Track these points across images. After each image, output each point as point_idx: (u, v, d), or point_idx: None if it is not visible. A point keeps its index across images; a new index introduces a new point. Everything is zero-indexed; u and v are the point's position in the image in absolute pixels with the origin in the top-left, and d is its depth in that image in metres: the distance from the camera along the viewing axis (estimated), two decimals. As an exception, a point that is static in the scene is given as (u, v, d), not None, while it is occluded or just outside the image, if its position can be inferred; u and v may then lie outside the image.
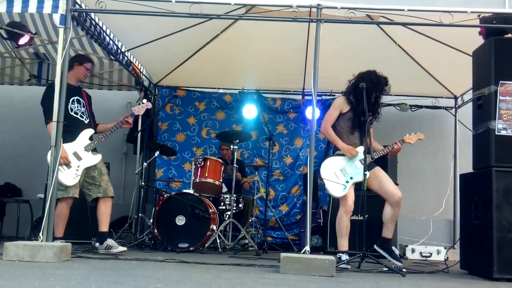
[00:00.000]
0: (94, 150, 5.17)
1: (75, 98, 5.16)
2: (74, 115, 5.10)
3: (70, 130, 4.97)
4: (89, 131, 5.16)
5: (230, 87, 7.77)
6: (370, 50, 6.31)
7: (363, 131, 4.84)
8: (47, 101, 4.82)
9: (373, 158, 4.83)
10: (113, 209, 5.27)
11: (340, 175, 4.86)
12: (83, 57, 5.42)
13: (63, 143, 4.86)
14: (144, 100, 5.62)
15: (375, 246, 4.94)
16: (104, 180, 5.16)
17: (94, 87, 7.31)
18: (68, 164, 4.90)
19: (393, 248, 5.01)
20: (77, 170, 4.96)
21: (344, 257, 4.75)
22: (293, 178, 7.63)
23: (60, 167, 4.81)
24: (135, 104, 7.52)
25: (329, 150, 5.12)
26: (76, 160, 4.98)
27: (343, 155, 4.93)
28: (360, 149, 4.87)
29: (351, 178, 4.83)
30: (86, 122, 5.19)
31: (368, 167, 4.78)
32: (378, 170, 4.97)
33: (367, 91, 4.79)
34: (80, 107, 5.19)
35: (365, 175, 4.65)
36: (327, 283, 3.68)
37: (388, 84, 5.02)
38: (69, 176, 4.90)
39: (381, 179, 4.92)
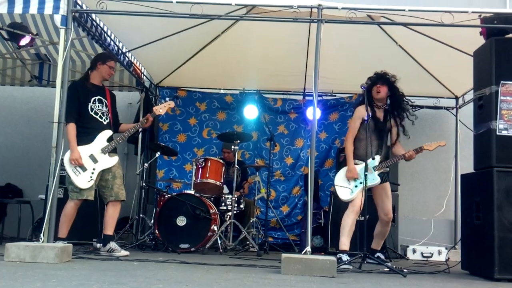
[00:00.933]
0: (113, 151, 5.12)
1: (97, 98, 5.11)
2: (94, 115, 5.05)
3: (88, 131, 4.97)
4: (107, 133, 5.10)
5: (231, 88, 7.78)
6: (371, 51, 6.31)
7: (380, 139, 5.07)
8: (67, 102, 4.71)
9: (388, 167, 5.12)
10: (119, 212, 5.25)
11: (351, 181, 5.03)
12: (106, 56, 5.33)
13: (80, 145, 4.88)
14: (167, 99, 5.51)
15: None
16: (117, 183, 5.11)
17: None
18: (83, 167, 4.88)
19: (378, 254, 5.24)
20: (92, 173, 4.92)
21: (345, 257, 4.75)
22: (294, 179, 7.62)
23: (74, 170, 4.83)
24: (136, 105, 7.57)
25: (339, 162, 5.31)
26: (92, 162, 4.95)
27: (357, 164, 5.07)
28: (377, 157, 5.07)
29: (360, 183, 4.94)
30: (105, 123, 5.12)
31: (382, 177, 5.09)
32: (387, 186, 5.19)
33: (367, 91, 4.98)
34: (102, 107, 5.13)
35: (366, 175, 4.70)
36: (328, 283, 3.68)
37: (387, 73, 5.15)
38: (83, 179, 4.88)
39: (385, 196, 5.16)
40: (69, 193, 4.92)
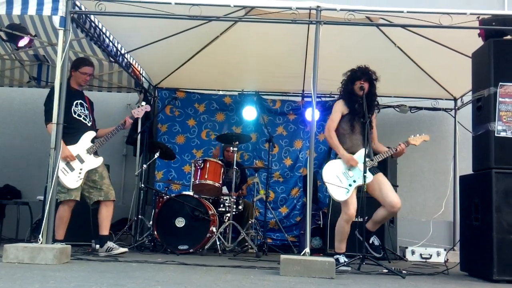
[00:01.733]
0: (96, 153, 5.16)
1: (78, 101, 5.15)
2: (77, 117, 5.09)
3: (72, 132, 4.97)
4: (91, 134, 5.14)
5: (229, 89, 7.78)
6: (370, 52, 6.30)
7: (363, 133, 4.79)
8: (49, 102, 4.77)
9: (372, 159, 4.77)
10: (113, 211, 5.25)
11: (343, 178, 4.77)
12: (79, 62, 5.29)
13: (66, 145, 4.87)
14: (143, 103, 5.61)
15: (356, 232, 4.83)
16: (105, 183, 5.14)
17: (93, 89, 7.31)
18: (71, 167, 4.89)
19: (374, 237, 4.95)
20: (79, 173, 4.95)
21: (342, 258, 4.74)
22: (292, 180, 7.63)
23: (62, 170, 4.82)
24: (135, 106, 7.54)
25: (331, 153, 5.09)
26: (79, 163, 4.97)
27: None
28: (362, 151, 4.79)
29: (354, 181, 4.75)
30: (89, 124, 5.18)
31: (371, 171, 4.75)
32: (380, 176, 4.88)
33: (351, 80, 4.92)
34: (83, 110, 5.18)
35: (365, 177, 4.63)
36: (327, 285, 3.68)
37: (368, 69, 5.02)
38: (72, 179, 4.89)
39: (382, 186, 4.81)
40: (57, 195, 4.75)
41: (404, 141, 4.98)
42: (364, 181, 4.63)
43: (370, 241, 4.92)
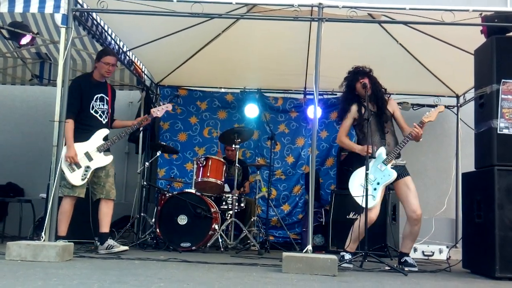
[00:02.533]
0: (107, 151, 5.14)
1: (99, 95, 5.12)
2: (94, 113, 5.07)
3: (86, 128, 4.99)
4: (104, 131, 5.12)
5: (231, 87, 7.78)
6: (372, 49, 6.30)
7: (380, 128, 4.83)
8: (68, 97, 4.70)
9: (392, 158, 4.74)
10: (115, 209, 5.26)
11: (368, 186, 4.67)
12: (101, 53, 5.22)
13: (76, 142, 4.88)
14: (165, 102, 5.58)
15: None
16: (109, 182, 5.13)
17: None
18: (77, 164, 4.89)
19: (407, 258, 4.87)
20: (86, 171, 4.94)
21: (347, 256, 4.74)
22: (295, 178, 7.63)
23: (69, 167, 4.83)
24: (137, 104, 7.57)
25: (340, 160, 5.14)
26: (87, 160, 4.96)
27: (362, 165, 4.74)
28: (382, 149, 4.81)
29: (378, 183, 4.74)
30: (103, 122, 5.14)
31: (401, 174, 4.79)
32: (409, 180, 4.85)
33: (350, 87, 4.92)
34: (103, 105, 5.14)
35: (367, 174, 4.61)
36: (329, 282, 3.68)
37: (359, 67, 5.03)
38: (77, 177, 4.89)
39: (409, 191, 4.81)
40: (61, 188, 4.84)
41: (418, 122, 4.79)
42: (366, 178, 4.60)
43: (403, 260, 4.84)
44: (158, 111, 5.43)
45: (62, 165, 4.83)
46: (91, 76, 5.18)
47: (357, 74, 5.00)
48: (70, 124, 4.82)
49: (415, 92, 7.41)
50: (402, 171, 4.84)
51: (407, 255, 4.89)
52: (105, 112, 5.17)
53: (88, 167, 4.96)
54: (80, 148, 4.92)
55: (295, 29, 5.94)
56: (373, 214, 4.67)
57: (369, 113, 4.76)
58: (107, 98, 5.20)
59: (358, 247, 4.78)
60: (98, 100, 5.11)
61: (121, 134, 5.21)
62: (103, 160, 5.07)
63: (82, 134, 4.93)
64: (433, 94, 7.40)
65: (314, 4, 4.68)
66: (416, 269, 4.76)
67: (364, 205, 4.58)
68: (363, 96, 4.93)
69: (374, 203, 4.67)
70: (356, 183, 4.79)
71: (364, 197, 4.56)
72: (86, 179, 4.94)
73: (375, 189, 4.71)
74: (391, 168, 4.75)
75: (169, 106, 5.56)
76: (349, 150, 5.05)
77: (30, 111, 8.01)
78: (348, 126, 5.03)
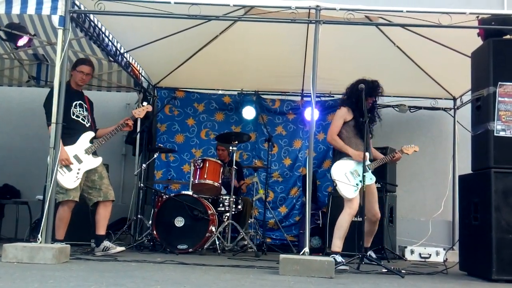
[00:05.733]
0: (95, 153, 5.15)
1: (78, 102, 5.14)
2: (76, 118, 5.08)
3: (71, 132, 4.97)
4: (90, 134, 5.13)
5: (229, 89, 7.78)
6: (369, 51, 6.32)
7: (364, 134, 4.93)
8: (48, 104, 4.77)
9: (369, 165, 5.08)
10: (112, 211, 5.24)
11: (350, 177, 5.01)
12: (77, 61, 5.29)
13: (63, 145, 4.86)
14: (144, 103, 5.61)
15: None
16: (105, 183, 5.13)
17: (92, 88, 7.30)
18: (68, 167, 4.89)
19: (370, 253, 5.25)
20: (77, 173, 4.94)
21: (338, 258, 4.75)
22: (292, 180, 7.63)
23: (60, 170, 4.80)
24: (134, 105, 7.55)
25: (335, 154, 5.31)
26: (77, 163, 4.96)
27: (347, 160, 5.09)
28: (367, 154, 4.97)
29: (361, 181, 4.90)
30: (87, 125, 5.16)
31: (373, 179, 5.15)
32: (374, 186, 5.27)
33: (363, 96, 4.95)
34: (82, 111, 5.17)
35: (364, 176, 4.71)
36: (326, 284, 3.68)
37: (380, 86, 5.20)
38: (69, 179, 4.88)
39: (372, 197, 5.21)
40: (55, 195, 4.75)
41: (399, 149, 5.40)
42: (364, 181, 4.74)
43: (368, 254, 5.03)
44: (139, 112, 5.44)
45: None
46: (69, 84, 5.11)
47: (371, 94, 5.11)
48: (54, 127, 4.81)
49: (412, 94, 7.42)
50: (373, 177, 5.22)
51: (369, 249, 5.33)
52: (86, 117, 5.19)
53: (79, 169, 4.96)
54: (69, 151, 4.92)
55: (293, 31, 5.95)
56: (356, 205, 4.94)
57: (366, 116, 4.81)
58: (85, 105, 5.22)
59: (355, 249, 4.79)
60: (78, 106, 5.13)
61: (106, 136, 5.19)
62: (93, 162, 5.07)
63: (68, 138, 4.91)
64: (430, 97, 7.44)
65: (312, 6, 4.69)
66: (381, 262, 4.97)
67: (346, 195, 4.96)
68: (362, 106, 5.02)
69: (355, 195, 4.95)
70: (341, 171, 5.05)
71: (362, 199, 4.73)
72: (79, 181, 4.93)
73: (357, 184, 4.99)
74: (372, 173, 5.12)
75: (149, 107, 5.56)
76: (339, 150, 5.17)
77: (26, 113, 7.98)
78: (339, 126, 5.17)
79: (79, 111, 5.13)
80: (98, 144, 5.13)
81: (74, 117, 5.06)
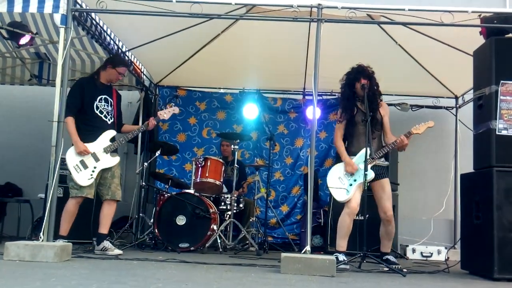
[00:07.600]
0: (114, 152, 5.15)
1: (103, 96, 5.16)
2: (99, 114, 5.09)
3: (92, 129, 5.01)
4: (111, 133, 5.14)
5: (230, 87, 7.78)
6: (371, 50, 6.30)
7: (368, 132, 4.83)
8: (69, 97, 4.79)
9: (373, 158, 4.87)
10: (115, 211, 5.26)
11: (344, 179, 4.93)
12: (119, 61, 5.35)
13: (84, 142, 4.92)
14: (172, 104, 5.62)
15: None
16: (115, 183, 5.14)
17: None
18: (84, 164, 4.91)
19: (389, 257, 5.03)
20: (92, 171, 4.95)
21: (341, 257, 4.74)
22: (293, 178, 7.63)
23: (75, 167, 4.85)
24: (136, 104, 7.56)
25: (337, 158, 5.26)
26: (94, 161, 4.98)
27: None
28: (363, 151, 4.85)
29: (355, 180, 4.86)
30: (109, 122, 5.16)
31: (380, 175, 4.94)
32: (386, 182, 5.00)
33: (350, 84, 4.96)
34: (107, 106, 5.17)
35: (365, 175, 4.66)
36: (327, 283, 3.68)
37: (365, 66, 5.04)
38: (84, 177, 4.90)
39: (383, 193, 4.96)
40: (69, 189, 4.96)
41: (406, 132, 4.97)
42: (365, 179, 4.66)
43: (384, 258, 4.97)
44: (165, 114, 5.46)
45: (69, 166, 4.87)
46: (96, 79, 5.21)
47: (360, 74, 5.01)
48: (70, 121, 4.86)
49: (414, 93, 7.41)
50: (381, 172, 5.00)
51: (388, 254, 5.05)
52: (110, 113, 5.19)
53: (94, 167, 4.96)
54: (88, 148, 4.93)
55: (294, 30, 5.94)
56: (354, 203, 4.82)
57: (368, 114, 4.78)
58: (111, 100, 5.23)
59: (357, 248, 4.78)
60: (103, 101, 5.14)
61: (127, 135, 5.24)
62: (110, 161, 5.08)
63: (88, 135, 4.96)
64: (432, 95, 7.43)
65: (313, 4, 4.69)
66: (399, 266, 4.86)
67: (338, 199, 4.89)
68: (360, 96, 4.98)
69: (348, 197, 4.84)
70: (334, 176, 4.98)
71: (364, 201, 4.64)
72: (93, 179, 4.95)
73: (350, 184, 4.88)
74: (370, 168, 4.84)
75: (175, 109, 5.58)
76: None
77: (29, 111, 8.00)
78: (340, 136, 5.11)
79: (104, 106, 5.13)
80: (118, 143, 5.15)
81: (97, 112, 5.07)
